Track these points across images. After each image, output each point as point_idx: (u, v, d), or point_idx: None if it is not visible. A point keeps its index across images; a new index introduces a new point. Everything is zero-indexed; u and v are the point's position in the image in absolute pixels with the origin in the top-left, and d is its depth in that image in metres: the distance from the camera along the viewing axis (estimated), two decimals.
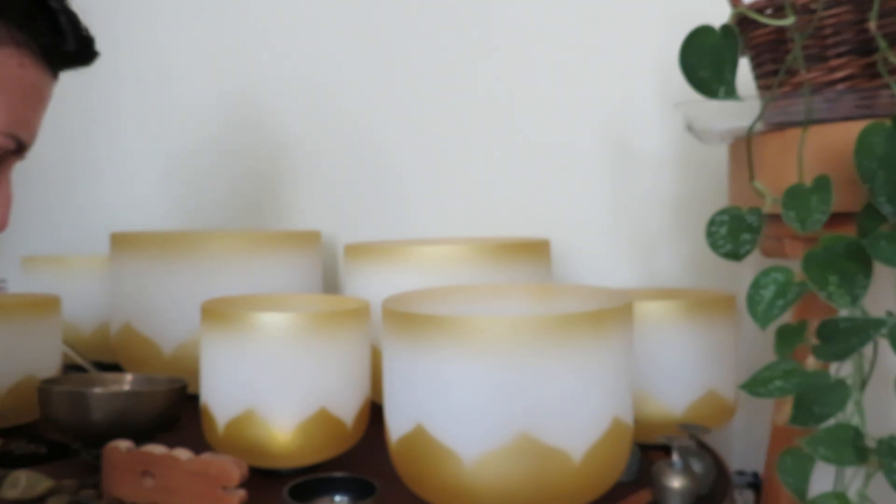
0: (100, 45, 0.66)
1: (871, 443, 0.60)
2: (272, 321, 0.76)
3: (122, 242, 1.11)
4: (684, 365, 0.84)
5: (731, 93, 0.65)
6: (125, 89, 1.57)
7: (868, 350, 0.63)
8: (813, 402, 0.61)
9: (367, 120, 1.32)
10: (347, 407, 0.79)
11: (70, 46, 0.63)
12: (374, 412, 0.84)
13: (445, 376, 0.63)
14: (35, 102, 0.63)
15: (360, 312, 0.81)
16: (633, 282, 1.14)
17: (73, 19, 0.63)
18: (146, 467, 0.69)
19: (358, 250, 1.00)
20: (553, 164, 1.18)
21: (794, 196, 0.64)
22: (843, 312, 0.61)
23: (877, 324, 0.59)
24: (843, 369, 0.66)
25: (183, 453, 0.68)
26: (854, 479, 0.62)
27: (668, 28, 1.07)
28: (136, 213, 1.55)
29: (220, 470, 0.65)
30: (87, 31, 0.64)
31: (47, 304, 0.99)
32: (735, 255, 0.68)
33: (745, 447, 1.07)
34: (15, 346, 0.94)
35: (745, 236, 0.68)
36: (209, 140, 1.47)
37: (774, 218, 0.72)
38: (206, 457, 0.67)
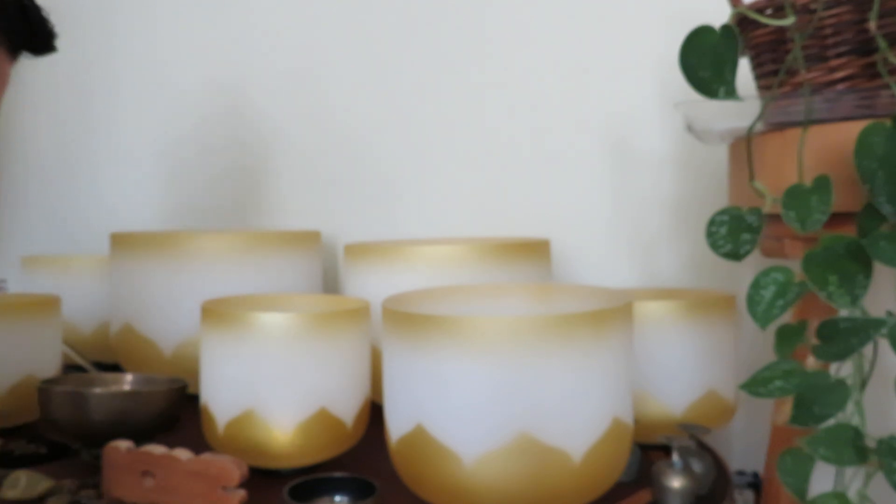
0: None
1: (871, 443, 0.60)
2: (272, 321, 0.76)
3: (122, 242, 1.11)
4: (684, 365, 0.84)
5: (731, 93, 0.65)
6: (123, 94, 1.57)
7: (868, 350, 0.63)
8: (813, 402, 0.61)
9: (367, 120, 1.32)
10: (347, 407, 0.79)
11: (34, 37, 0.68)
12: (374, 412, 0.84)
13: (445, 376, 0.63)
14: (2, 89, 0.68)
15: (360, 312, 0.81)
16: (633, 282, 1.14)
17: (37, 11, 0.68)
18: (146, 467, 0.69)
19: (358, 250, 1.00)
20: (553, 164, 1.18)
21: (794, 196, 0.64)
22: (843, 312, 0.61)
23: (877, 324, 0.59)
24: (843, 369, 0.66)
25: (183, 453, 0.68)
26: (854, 479, 0.62)
27: (668, 28, 1.07)
28: (136, 215, 1.55)
29: (220, 470, 0.65)
30: (50, 21, 0.70)
31: (47, 304, 0.99)
32: (735, 255, 0.68)
33: (745, 447, 1.07)
34: (15, 346, 0.94)
35: (745, 236, 0.68)
36: (210, 142, 1.47)
37: (774, 218, 0.72)
38: (206, 457, 0.67)
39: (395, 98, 1.30)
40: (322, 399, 0.77)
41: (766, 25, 0.73)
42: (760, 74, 0.79)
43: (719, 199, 1.06)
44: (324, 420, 0.77)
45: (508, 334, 0.61)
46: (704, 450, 0.84)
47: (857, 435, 0.61)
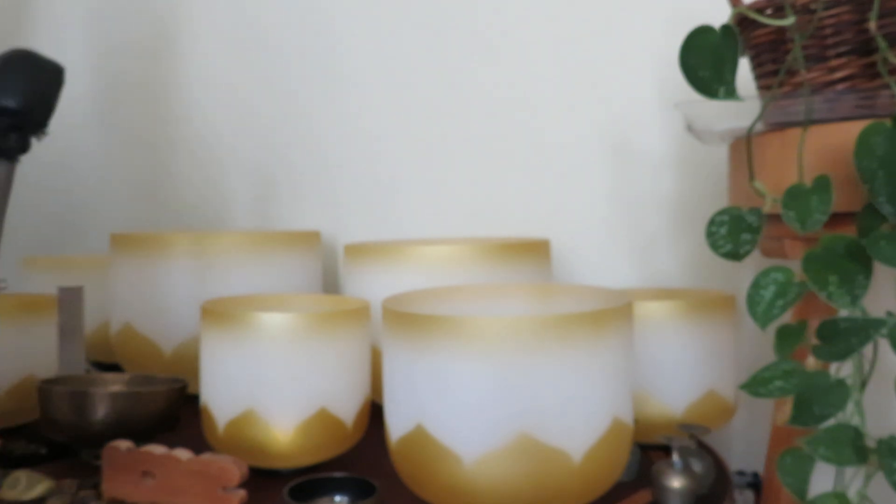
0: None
1: (871, 443, 0.60)
2: (272, 321, 0.76)
3: (122, 242, 1.11)
4: (684, 365, 0.84)
5: (731, 93, 0.65)
6: (124, 93, 1.57)
7: (868, 350, 0.63)
8: (813, 402, 0.61)
9: (367, 120, 1.32)
10: (347, 407, 0.79)
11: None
12: (374, 412, 0.84)
13: (445, 376, 0.63)
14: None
15: (360, 312, 0.81)
16: (633, 282, 1.14)
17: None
18: (146, 467, 0.69)
19: (358, 250, 1.00)
20: (553, 163, 1.18)
21: (794, 196, 0.64)
22: (843, 312, 0.61)
23: (877, 324, 0.59)
24: (843, 369, 0.66)
25: (183, 453, 0.68)
26: (854, 479, 0.62)
27: (668, 28, 1.07)
28: (136, 215, 1.55)
29: (220, 470, 0.65)
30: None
31: (47, 304, 0.99)
32: (735, 255, 0.68)
33: (745, 447, 1.07)
34: (15, 346, 0.94)
35: (745, 236, 0.68)
36: (211, 142, 1.47)
37: (774, 218, 0.72)
38: (206, 457, 0.67)
39: (395, 99, 1.30)
40: (322, 399, 0.77)
41: (766, 25, 0.73)
42: (760, 74, 0.79)
43: (719, 199, 1.06)
44: (324, 420, 0.77)
45: (508, 334, 0.61)
46: (704, 450, 0.84)
47: (857, 435, 0.61)
